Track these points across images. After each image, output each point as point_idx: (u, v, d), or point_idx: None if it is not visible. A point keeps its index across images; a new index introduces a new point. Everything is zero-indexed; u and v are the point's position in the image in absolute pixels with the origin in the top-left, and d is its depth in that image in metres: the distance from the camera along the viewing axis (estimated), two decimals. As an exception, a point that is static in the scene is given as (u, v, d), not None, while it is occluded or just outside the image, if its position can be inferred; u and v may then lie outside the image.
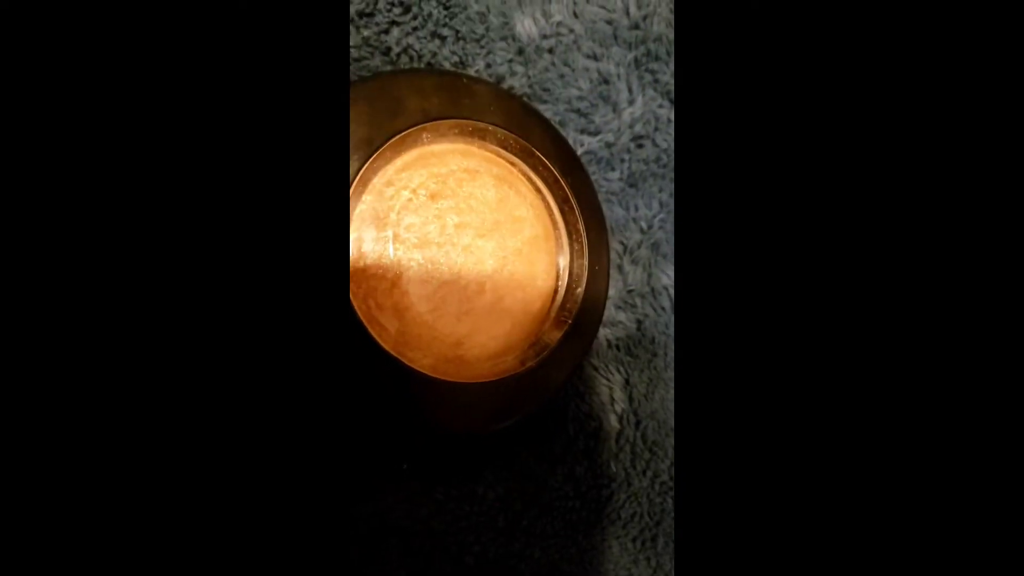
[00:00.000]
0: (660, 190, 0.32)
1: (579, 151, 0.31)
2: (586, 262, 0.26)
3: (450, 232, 0.24)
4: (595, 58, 0.32)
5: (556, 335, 0.25)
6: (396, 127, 0.24)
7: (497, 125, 0.25)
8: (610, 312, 0.30)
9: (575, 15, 0.32)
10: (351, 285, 0.22)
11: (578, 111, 0.31)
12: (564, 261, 0.26)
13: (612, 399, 0.28)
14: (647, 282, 0.31)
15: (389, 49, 0.28)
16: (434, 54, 0.29)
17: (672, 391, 0.30)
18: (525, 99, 0.30)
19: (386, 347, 0.22)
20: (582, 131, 0.31)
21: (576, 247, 0.26)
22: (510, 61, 0.31)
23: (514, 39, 0.31)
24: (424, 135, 0.24)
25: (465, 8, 0.30)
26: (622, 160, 0.32)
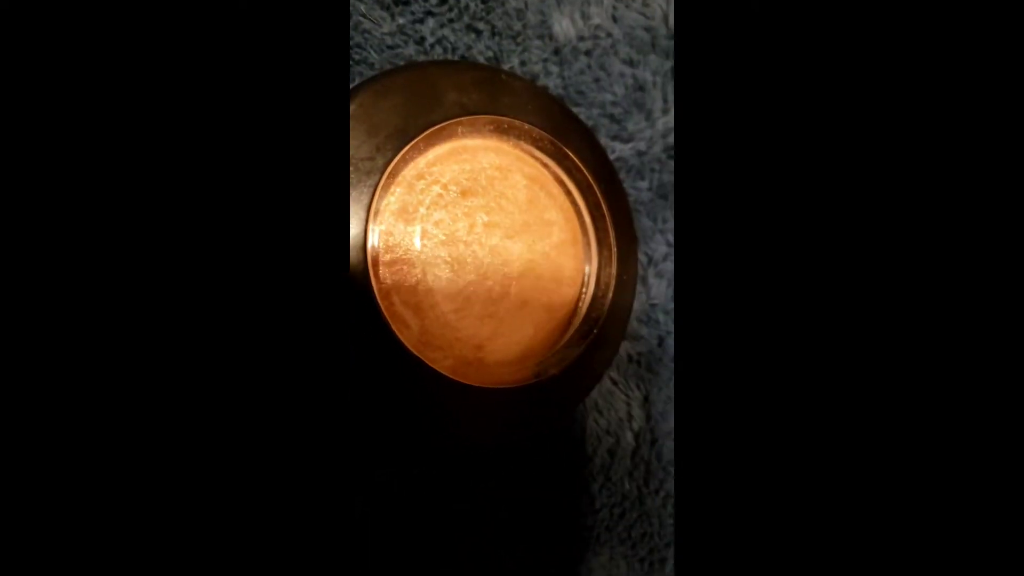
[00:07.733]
0: (689, 203, 0.31)
1: (609, 157, 0.30)
2: (614, 271, 0.25)
3: (479, 231, 0.23)
4: (631, 64, 0.31)
5: (580, 344, 0.24)
6: (432, 119, 0.23)
7: (533, 124, 0.25)
8: (632, 326, 0.29)
9: (614, 19, 0.31)
10: (375, 281, 0.21)
11: (611, 116, 0.31)
12: (591, 268, 0.25)
13: (630, 416, 0.27)
14: (671, 297, 0.30)
15: (423, 39, 0.28)
16: (469, 48, 0.28)
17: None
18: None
19: (408, 345, 0.21)
20: (614, 137, 0.31)
21: (605, 255, 0.25)
22: (545, 60, 0.30)
23: (551, 38, 0.30)
24: (459, 129, 0.23)
25: (503, 3, 0.29)
26: (653, 170, 0.31)
